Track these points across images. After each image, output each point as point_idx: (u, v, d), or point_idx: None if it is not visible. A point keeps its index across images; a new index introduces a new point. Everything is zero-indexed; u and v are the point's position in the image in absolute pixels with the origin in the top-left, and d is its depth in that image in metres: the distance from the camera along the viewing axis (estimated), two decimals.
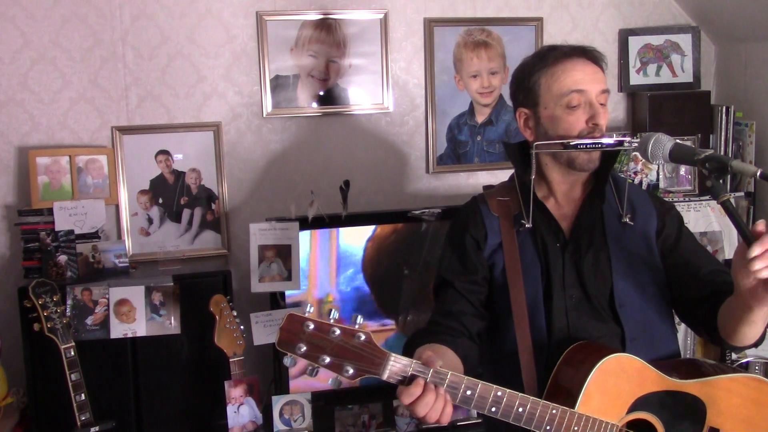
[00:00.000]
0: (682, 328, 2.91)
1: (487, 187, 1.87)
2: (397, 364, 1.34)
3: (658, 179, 3.04)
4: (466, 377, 1.40)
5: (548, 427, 1.46)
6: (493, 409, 1.41)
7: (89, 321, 2.55)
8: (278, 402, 2.62)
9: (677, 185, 3.08)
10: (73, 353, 2.41)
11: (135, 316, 2.58)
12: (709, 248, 3.00)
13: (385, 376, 1.34)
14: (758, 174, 1.34)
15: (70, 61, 2.75)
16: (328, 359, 1.30)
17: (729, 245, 3.02)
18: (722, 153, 3.07)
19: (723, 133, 3.11)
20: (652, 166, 3.02)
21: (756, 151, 3.07)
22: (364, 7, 2.97)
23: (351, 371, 1.30)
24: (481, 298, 1.74)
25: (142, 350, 2.61)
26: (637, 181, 3.01)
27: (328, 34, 2.94)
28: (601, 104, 1.67)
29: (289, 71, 2.93)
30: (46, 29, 2.72)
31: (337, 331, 1.30)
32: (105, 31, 2.77)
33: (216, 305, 2.53)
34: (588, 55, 1.69)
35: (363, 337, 1.31)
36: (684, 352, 3.01)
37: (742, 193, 3.06)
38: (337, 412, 2.71)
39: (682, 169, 3.08)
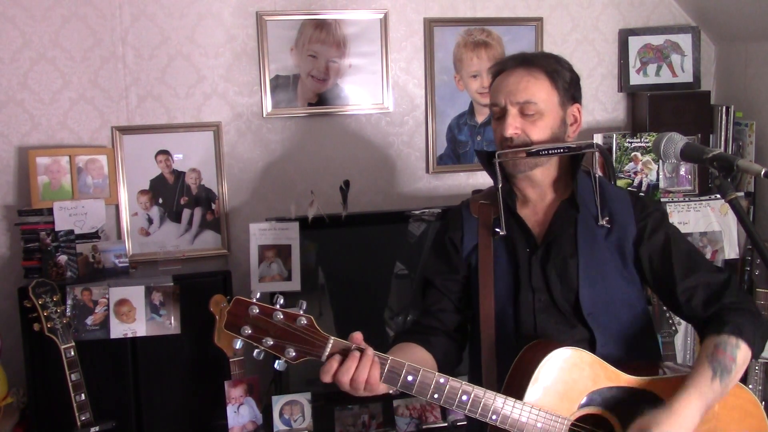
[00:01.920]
0: (681, 329, 2.91)
1: (476, 191, 1.90)
2: (336, 347, 1.41)
3: (658, 179, 3.04)
4: (408, 362, 1.44)
5: (494, 417, 1.48)
6: (436, 396, 1.45)
7: (89, 321, 2.55)
8: (278, 402, 2.62)
9: (677, 185, 3.08)
10: (73, 353, 2.41)
11: (135, 316, 2.58)
12: (708, 249, 3.00)
13: (324, 358, 1.41)
14: (762, 173, 1.36)
15: (70, 61, 2.75)
16: (271, 341, 1.38)
17: (729, 245, 3.02)
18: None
19: (723, 133, 3.11)
20: (652, 166, 3.02)
21: (756, 150, 3.08)
22: (364, 7, 2.97)
23: (293, 353, 1.39)
24: (460, 295, 1.79)
25: (142, 350, 2.61)
26: (636, 181, 3.01)
27: (328, 34, 2.94)
28: (528, 114, 1.66)
29: (289, 71, 2.93)
30: (46, 29, 2.72)
31: (280, 315, 1.39)
32: (105, 31, 2.77)
33: (216, 305, 2.53)
34: (524, 63, 1.70)
35: (304, 321, 1.39)
36: (684, 353, 3.00)
37: (742, 193, 3.06)
38: (337, 412, 2.70)
39: (682, 169, 3.08)
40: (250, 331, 1.38)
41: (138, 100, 2.83)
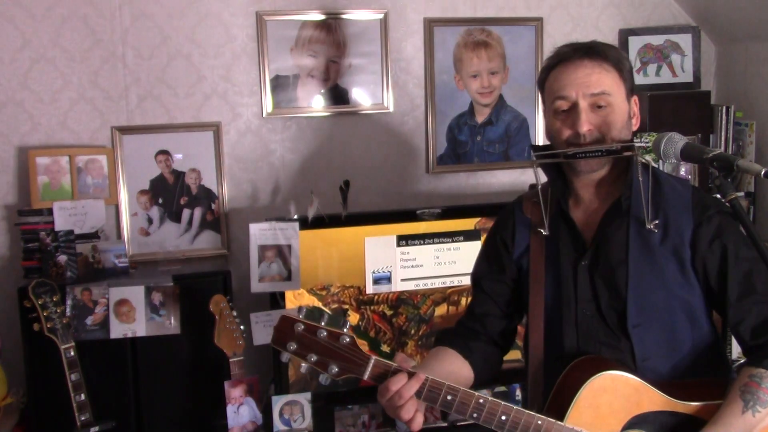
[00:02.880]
0: None
1: (533, 186, 1.79)
2: (377, 367, 1.43)
3: None
4: (447, 383, 1.44)
5: None
6: (475, 415, 1.44)
7: (89, 321, 2.55)
8: (278, 402, 2.61)
9: None
10: (73, 353, 2.41)
11: (135, 316, 2.58)
12: None
13: (366, 377, 1.43)
14: (762, 173, 1.35)
15: (70, 61, 2.75)
16: (315, 358, 1.42)
17: None
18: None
19: (723, 133, 3.11)
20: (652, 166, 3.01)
21: (756, 150, 3.07)
22: (364, 7, 2.97)
23: (335, 370, 1.42)
24: (508, 298, 1.73)
25: (142, 350, 2.60)
26: None
27: (328, 34, 2.94)
28: (599, 106, 1.57)
29: (289, 71, 2.93)
30: (46, 29, 2.72)
31: (324, 333, 1.41)
32: (105, 31, 2.77)
33: (216, 305, 2.53)
34: (591, 54, 1.59)
35: (347, 340, 1.42)
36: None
37: (742, 193, 3.06)
38: (337, 412, 2.70)
39: (682, 169, 3.08)
40: (295, 347, 1.42)
41: (138, 100, 2.83)
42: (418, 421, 1.45)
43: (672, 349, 1.58)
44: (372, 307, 2.77)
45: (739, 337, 1.56)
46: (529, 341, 1.65)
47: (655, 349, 1.56)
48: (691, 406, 1.51)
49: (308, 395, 2.63)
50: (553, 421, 1.46)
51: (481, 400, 1.43)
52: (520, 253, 1.70)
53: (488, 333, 1.72)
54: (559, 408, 1.50)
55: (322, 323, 1.42)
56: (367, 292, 2.74)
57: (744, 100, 3.16)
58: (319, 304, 2.73)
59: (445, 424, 2.71)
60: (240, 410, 2.56)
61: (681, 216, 1.58)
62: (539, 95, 1.72)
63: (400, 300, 2.79)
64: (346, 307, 2.75)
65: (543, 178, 1.68)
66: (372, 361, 1.43)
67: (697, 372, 1.58)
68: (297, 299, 2.70)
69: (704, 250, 1.56)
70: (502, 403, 1.44)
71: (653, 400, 1.51)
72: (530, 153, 1.71)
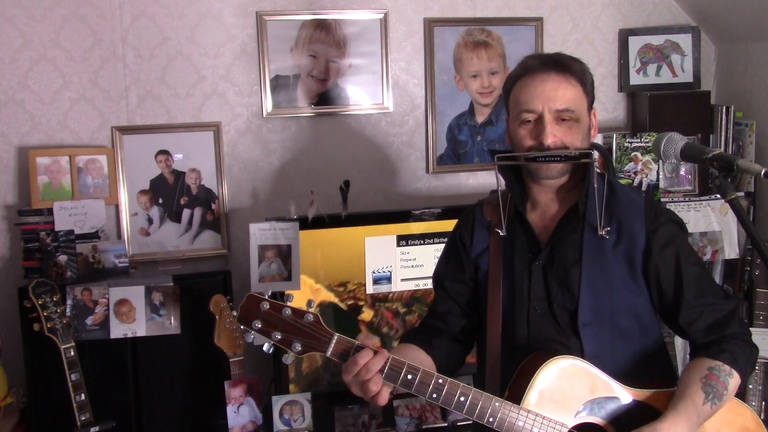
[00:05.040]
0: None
1: (494, 191, 1.84)
2: (340, 344, 1.49)
3: (658, 179, 3.04)
4: (408, 362, 1.50)
5: (491, 419, 1.50)
6: (434, 396, 1.50)
7: (89, 321, 2.55)
8: (278, 402, 2.62)
9: (677, 185, 3.08)
10: (73, 353, 2.41)
11: (135, 316, 2.58)
12: (708, 249, 3.00)
13: (329, 353, 1.49)
14: (762, 173, 1.36)
15: (70, 61, 2.75)
16: (279, 335, 1.48)
17: (729, 245, 3.02)
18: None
19: (723, 133, 3.11)
20: (652, 166, 3.02)
21: (756, 150, 3.08)
22: (364, 7, 2.97)
23: (299, 347, 1.48)
24: (468, 297, 1.79)
25: (142, 350, 2.61)
26: (636, 181, 3.01)
27: (327, 34, 2.94)
28: (563, 120, 1.62)
29: (289, 71, 2.93)
30: (46, 29, 2.72)
31: (289, 311, 1.48)
32: (105, 31, 2.77)
33: (216, 305, 2.53)
34: (558, 67, 1.64)
35: (311, 318, 1.48)
36: (684, 353, 3.00)
37: (742, 193, 3.06)
38: (337, 412, 2.70)
39: (682, 169, 3.08)
40: (260, 326, 1.47)
41: (138, 100, 2.83)
42: (384, 396, 1.49)
43: (620, 350, 1.63)
44: (386, 305, 2.79)
45: (691, 336, 1.64)
46: (486, 335, 1.70)
47: (602, 349, 1.62)
48: (643, 392, 1.57)
49: (308, 395, 2.63)
50: (510, 403, 1.51)
51: (440, 380, 1.49)
52: (479, 252, 1.76)
53: (450, 330, 1.77)
54: (517, 392, 1.54)
55: (288, 302, 1.48)
56: (367, 292, 2.76)
57: (744, 100, 3.16)
58: (336, 301, 2.76)
59: (445, 424, 2.71)
60: (240, 410, 2.57)
61: (634, 222, 1.65)
62: (505, 101, 1.75)
63: (414, 299, 2.81)
64: (362, 303, 2.77)
65: (490, 181, 1.73)
66: (335, 338, 1.48)
67: (644, 375, 1.64)
68: (315, 295, 2.71)
69: (657, 254, 1.63)
70: (461, 384, 1.49)
71: (606, 386, 1.56)
72: (492, 157, 1.74)
